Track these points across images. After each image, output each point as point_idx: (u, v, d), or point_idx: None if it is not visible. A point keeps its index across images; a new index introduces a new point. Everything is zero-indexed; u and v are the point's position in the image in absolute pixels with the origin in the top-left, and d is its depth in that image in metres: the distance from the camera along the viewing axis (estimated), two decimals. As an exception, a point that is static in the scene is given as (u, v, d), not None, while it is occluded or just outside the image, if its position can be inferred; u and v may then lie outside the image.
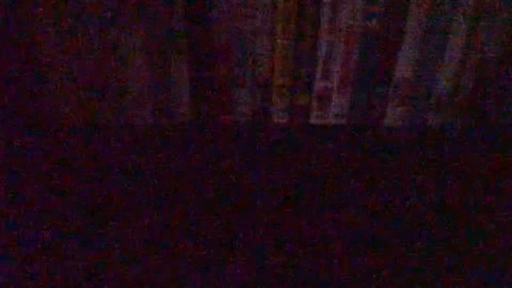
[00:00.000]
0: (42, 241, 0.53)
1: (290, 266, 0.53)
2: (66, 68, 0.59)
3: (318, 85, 0.62)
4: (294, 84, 0.62)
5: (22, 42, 0.57)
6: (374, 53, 0.59)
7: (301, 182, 0.60)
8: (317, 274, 0.53)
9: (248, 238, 0.56)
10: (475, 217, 0.56)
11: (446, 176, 0.61)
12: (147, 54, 0.59)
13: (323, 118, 0.65)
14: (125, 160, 0.62)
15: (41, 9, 0.55)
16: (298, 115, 0.64)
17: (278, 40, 0.58)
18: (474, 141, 0.64)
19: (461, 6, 0.55)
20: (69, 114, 0.62)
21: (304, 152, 0.64)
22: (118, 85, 0.61)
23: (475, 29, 0.57)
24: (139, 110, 0.63)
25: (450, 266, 0.54)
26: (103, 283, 0.50)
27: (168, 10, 0.56)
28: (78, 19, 0.56)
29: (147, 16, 0.56)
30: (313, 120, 0.65)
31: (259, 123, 0.65)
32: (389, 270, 0.53)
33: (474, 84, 0.61)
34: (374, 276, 0.52)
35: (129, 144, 0.63)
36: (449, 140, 0.64)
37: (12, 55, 0.58)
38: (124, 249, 0.53)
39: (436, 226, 0.56)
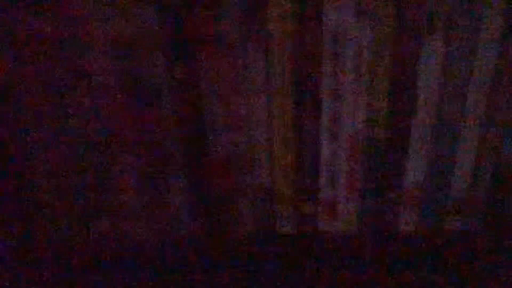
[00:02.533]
0: None
1: None
2: (58, 188, 0.57)
3: (324, 193, 0.58)
4: (298, 194, 0.58)
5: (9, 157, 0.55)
6: (380, 159, 0.55)
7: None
8: None
9: None
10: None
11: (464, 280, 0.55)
12: (142, 177, 0.56)
13: (331, 226, 0.61)
14: (119, 278, 0.58)
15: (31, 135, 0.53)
16: (304, 224, 0.60)
17: (277, 151, 0.55)
18: (495, 244, 0.59)
19: (471, 106, 0.52)
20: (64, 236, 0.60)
21: (313, 262, 0.59)
22: (113, 205, 0.58)
23: (488, 126, 0.53)
24: (135, 228, 0.60)
25: None
26: None
27: (163, 131, 0.54)
28: (71, 143, 0.54)
29: (143, 140, 0.54)
30: (321, 228, 0.61)
31: (264, 235, 0.61)
32: None
33: (491, 183, 0.56)
34: None
35: (128, 263, 0.59)
36: (470, 244, 0.59)
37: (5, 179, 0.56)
38: None
39: None
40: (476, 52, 0.48)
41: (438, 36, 0.48)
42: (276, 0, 0.47)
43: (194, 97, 0.51)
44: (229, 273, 0.59)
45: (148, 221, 0.60)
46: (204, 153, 0.55)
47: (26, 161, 0.55)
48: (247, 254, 0.60)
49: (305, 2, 0.47)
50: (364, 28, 0.48)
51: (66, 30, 0.48)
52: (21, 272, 0.57)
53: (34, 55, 0.49)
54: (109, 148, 0.54)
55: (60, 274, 0.58)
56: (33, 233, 0.59)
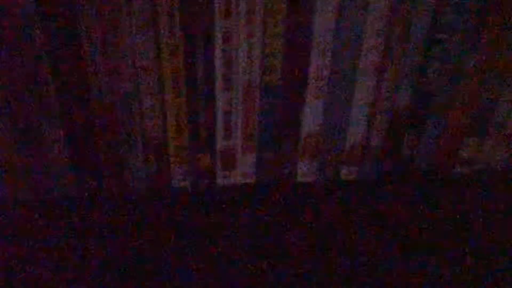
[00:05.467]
0: None
1: None
2: None
3: (221, 144, 0.55)
4: (193, 145, 0.55)
5: None
6: (277, 108, 0.54)
7: (212, 246, 0.53)
8: None
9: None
10: (396, 263, 0.52)
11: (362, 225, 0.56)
12: (16, 125, 0.50)
13: (229, 178, 0.58)
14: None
15: None
16: (201, 177, 0.58)
17: (169, 99, 0.51)
18: (393, 189, 0.60)
19: (367, 50, 0.51)
20: None
21: (212, 216, 0.57)
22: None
23: (382, 73, 0.52)
24: (13, 188, 0.54)
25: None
26: None
27: (37, 73, 0.48)
28: None
29: (15, 81, 0.48)
30: (219, 181, 0.59)
31: (158, 190, 0.58)
32: None
33: (386, 132, 0.57)
34: None
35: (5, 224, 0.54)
36: (365, 191, 0.60)
37: None
38: None
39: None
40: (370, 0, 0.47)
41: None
42: None
43: (72, 38, 0.46)
44: (123, 233, 0.55)
45: (27, 179, 0.54)
46: (85, 100, 0.50)
47: None
48: (140, 213, 0.57)
49: None
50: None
51: None
52: None
53: None
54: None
55: None
56: None
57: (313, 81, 0.52)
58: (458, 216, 0.58)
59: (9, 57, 0.46)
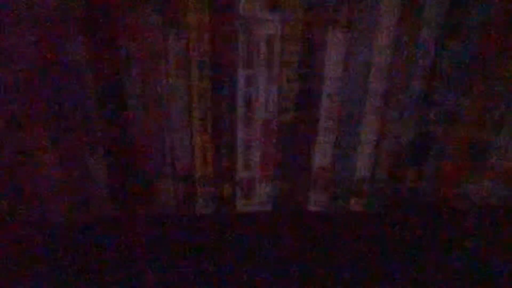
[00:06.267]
0: None
1: None
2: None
3: (241, 175, 0.62)
4: (216, 175, 0.62)
5: None
6: (291, 144, 0.60)
7: (229, 273, 0.59)
8: None
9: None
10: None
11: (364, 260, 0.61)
12: (59, 153, 0.58)
13: (248, 206, 0.65)
14: (41, 258, 0.59)
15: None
16: (223, 204, 0.64)
17: (197, 135, 0.59)
18: (396, 221, 0.65)
19: (372, 95, 0.57)
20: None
21: (230, 243, 0.63)
22: (31, 183, 0.60)
23: (387, 113, 0.59)
24: (54, 206, 0.62)
25: None
26: None
27: (81, 106, 0.56)
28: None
29: (62, 120, 0.56)
30: (238, 209, 0.65)
31: (184, 215, 0.64)
32: None
33: (390, 168, 0.63)
34: None
35: (47, 242, 0.61)
36: (372, 222, 0.65)
37: None
38: None
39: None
40: (376, 40, 0.54)
41: (341, 27, 0.53)
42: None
43: (115, 76, 0.54)
44: (151, 254, 0.62)
45: (70, 199, 0.61)
46: (126, 134, 0.58)
47: None
48: (168, 235, 0.63)
49: (221, -5, 0.51)
50: (275, 20, 0.52)
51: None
52: None
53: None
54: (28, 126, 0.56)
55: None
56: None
57: (324, 120, 0.59)
58: (458, 247, 0.63)
59: (58, 92, 0.54)
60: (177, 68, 0.54)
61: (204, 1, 0.50)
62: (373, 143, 0.61)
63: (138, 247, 0.61)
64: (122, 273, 0.58)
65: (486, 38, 0.54)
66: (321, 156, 0.61)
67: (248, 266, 0.60)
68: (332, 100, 0.57)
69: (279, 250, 0.62)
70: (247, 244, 0.63)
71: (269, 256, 0.61)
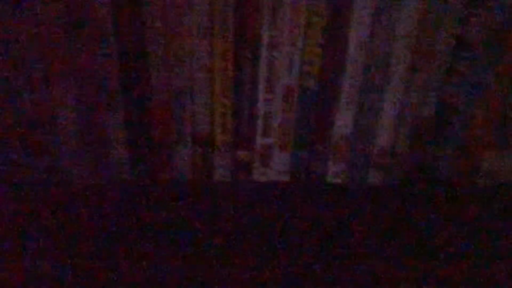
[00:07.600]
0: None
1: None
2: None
3: (259, 142, 0.62)
4: (235, 141, 0.62)
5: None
6: (312, 112, 0.60)
7: (246, 237, 0.59)
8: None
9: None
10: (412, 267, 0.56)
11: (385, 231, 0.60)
12: (79, 112, 0.58)
13: (266, 175, 0.64)
14: (61, 219, 0.60)
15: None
16: (240, 171, 0.64)
17: (217, 99, 0.58)
18: (414, 196, 0.65)
19: (397, 63, 0.57)
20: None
21: (248, 209, 0.63)
22: (52, 143, 0.60)
23: (410, 85, 0.58)
24: (75, 168, 0.62)
25: None
26: None
27: (102, 67, 0.56)
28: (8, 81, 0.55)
29: (80, 74, 0.56)
30: (255, 177, 0.65)
31: (201, 181, 0.64)
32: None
33: (411, 140, 0.62)
34: None
35: (65, 204, 0.61)
36: (390, 196, 0.64)
37: None
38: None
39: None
40: (403, 2, 0.53)
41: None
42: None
43: (138, 37, 0.53)
44: (166, 218, 0.62)
45: (90, 162, 0.62)
46: (145, 97, 0.58)
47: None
48: (183, 201, 0.63)
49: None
50: (301, -17, 0.52)
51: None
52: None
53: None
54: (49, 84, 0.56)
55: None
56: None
57: (347, 89, 0.58)
58: (478, 224, 0.62)
59: (79, 51, 0.54)
60: (200, 27, 0.53)
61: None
62: (394, 114, 0.60)
63: (155, 212, 0.61)
64: (139, 237, 0.58)
65: (516, 8, 0.53)
66: (342, 125, 0.60)
67: (263, 235, 0.60)
68: (356, 67, 0.56)
69: (295, 221, 0.62)
70: (265, 213, 0.63)
71: (284, 226, 0.61)
